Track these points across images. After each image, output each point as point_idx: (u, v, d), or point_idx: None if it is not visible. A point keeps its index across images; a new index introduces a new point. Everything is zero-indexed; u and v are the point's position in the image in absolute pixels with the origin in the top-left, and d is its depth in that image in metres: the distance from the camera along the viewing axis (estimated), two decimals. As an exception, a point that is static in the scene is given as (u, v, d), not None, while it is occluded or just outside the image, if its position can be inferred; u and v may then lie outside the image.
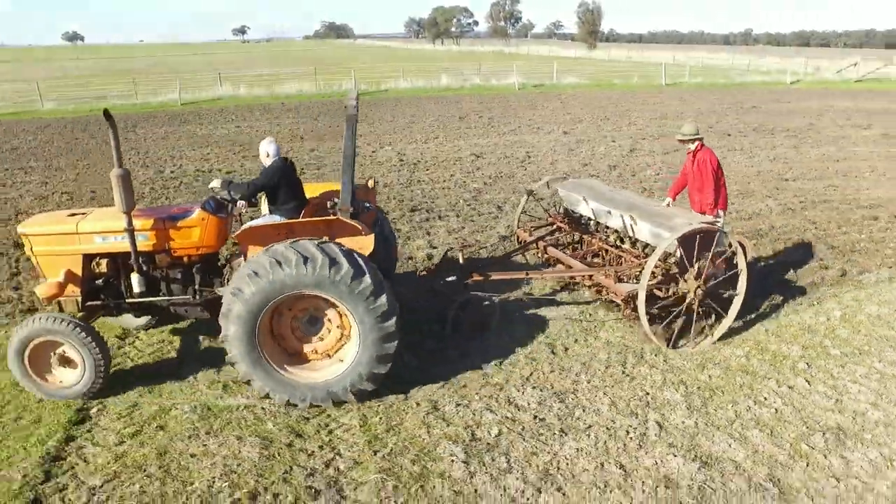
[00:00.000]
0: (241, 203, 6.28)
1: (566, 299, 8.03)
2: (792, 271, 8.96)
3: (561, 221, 8.59)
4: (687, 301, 6.62)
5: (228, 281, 5.91)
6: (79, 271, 5.96)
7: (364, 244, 5.60)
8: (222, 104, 30.08)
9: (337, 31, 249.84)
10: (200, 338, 7.00)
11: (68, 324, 5.48)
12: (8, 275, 8.91)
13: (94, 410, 5.66)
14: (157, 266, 6.16)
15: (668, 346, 6.64)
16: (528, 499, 4.49)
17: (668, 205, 7.83)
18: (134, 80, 35.94)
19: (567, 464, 4.87)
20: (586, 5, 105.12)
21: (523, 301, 7.89)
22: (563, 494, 4.54)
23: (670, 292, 6.67)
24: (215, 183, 6.21)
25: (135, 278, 6.02)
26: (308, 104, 29.52)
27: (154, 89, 33.73)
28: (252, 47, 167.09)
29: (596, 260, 7.93)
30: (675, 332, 6.78)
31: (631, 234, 7.18)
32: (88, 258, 6.03)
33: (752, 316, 7.49)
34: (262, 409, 5.64)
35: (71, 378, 5.68)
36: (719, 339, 6.82)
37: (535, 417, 5.49)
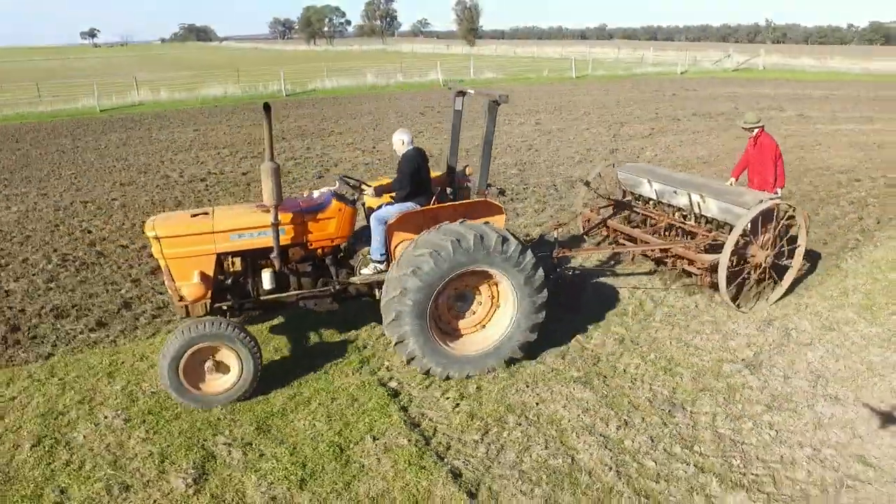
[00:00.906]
0: (369, 191, 6.39)
1: (625, 271, 8.69)
2: (835, 226, 10.52)
3: (624, 202, 9.05)
4: (756, 269, 7.36)
5: (359, 269, 6.22)
6: (211, 271, 5.75)
7: (502, 222, 6.12)
8: (144, 109, 28.44)
9: (197, 33, 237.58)
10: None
11: (230, 326, 5.38)
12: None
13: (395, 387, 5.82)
14: (290, 260, 6.09)
15: (735, 306, 7.32)
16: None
17: (731, 184, 8.60)
18: (37, 85, 32.91)
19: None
20: (464, 3, 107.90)
21: (603, 273, 8.63)
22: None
23: (742, 261, 7.37)
24: (369, 190, 6.36)
25: (266, 275, 5.90)
26: (249, 106, 28.56)
27: (61, 96, 31.10)
28: (107, 51, 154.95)
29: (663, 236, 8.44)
30: (742, 294, 7.52)
31: (698, 210, 7.78)
32: (221, 257, 5.83)
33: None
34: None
35: (227, 383, 5.54)
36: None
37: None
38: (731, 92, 31.62)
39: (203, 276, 5.66)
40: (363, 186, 6.41)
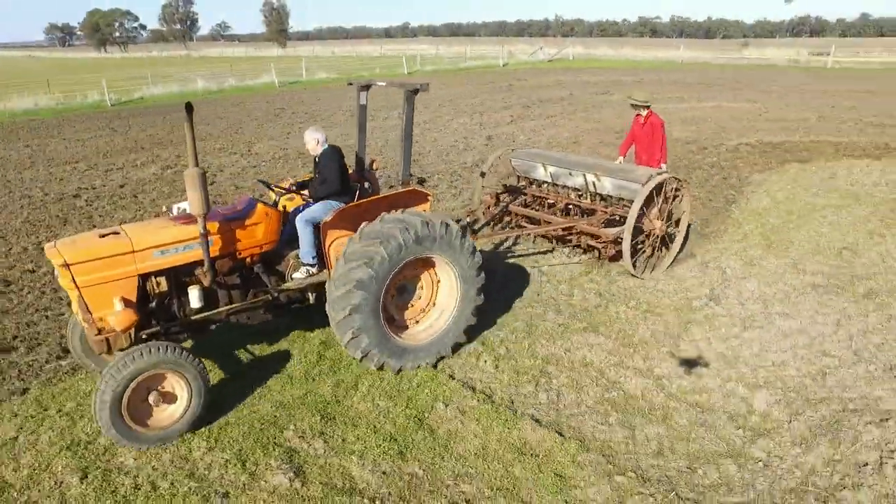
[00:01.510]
0: (304, 193, 6.25)
1: (523, 251, 9.11)
2: (709, 185, 12.35)
3: (519, 187, 9.34)
4: (650, 238, 8.02)
5: (290, 274, 5.92)
6: (133, 295, 5.13)
7: (428, 209, 6.20)
8: None
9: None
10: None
11: (172, 348, 4.87)
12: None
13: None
14: (218, 273, 5.56)
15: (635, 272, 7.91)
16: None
17: (620, 162, 9.10)
18: None
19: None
20: (271, 4, 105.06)
21: (512, 254, 8.99)
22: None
23: (639, 232, 7.93)
24: (305, 192, 6.24)
25: (194, 292, 5.37)
26: (74, 117, 25.68)
27: None
28: None
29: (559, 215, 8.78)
30: (638, 262, 8.05)
31: (593, 189, 8.28)
32: (144, 278, 5.24)
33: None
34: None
35: (177, 412, 4.99)
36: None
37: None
38: (557, 80, 34.60)
39: (126, 301, 5.02)
40: (275, 188, 6.25)
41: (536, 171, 9.05)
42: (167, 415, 5.01)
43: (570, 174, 8.54)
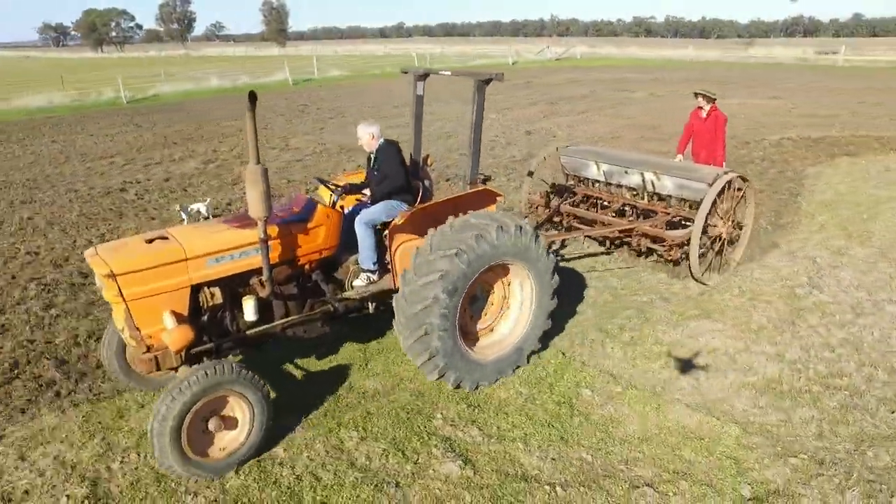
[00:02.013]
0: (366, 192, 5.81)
1: (572, 254, 8.71)
2: (767, 178, 12.35)
3: (568, 186, 8.86)
4: (716, 240, 7.55)
5: (350, 281, 5.46)
6: (185, 309, 4.61)
7: (493, 209, 5.67)
8: None
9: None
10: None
11: (237, 368, 4.34)
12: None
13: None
14: (274, 282, 4.99)
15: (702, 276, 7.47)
16: None
17: (680, 160, 8.69)
18: None
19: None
20: (270, 4, 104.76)
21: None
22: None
23: (704, 234, 7.38)
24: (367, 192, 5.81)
25: (249, 304, 4.79)
26: (91, 115, 25.46)
27: None
28: None
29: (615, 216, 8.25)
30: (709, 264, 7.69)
31: (651, 188, 7.79)
32: (196, 289, 4.70)
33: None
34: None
35: (238, 439, 4.50)
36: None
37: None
38: (571, 78, 34.63)
39: (178, 316, 4.51)
40: (331, 186, 5.73)
41: (588, 170, 8.54)
42: (227, 442, 4.50)
43: (626, 172, 8.04)
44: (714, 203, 7.18)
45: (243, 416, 4.47)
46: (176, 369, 4.57)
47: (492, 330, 5.68)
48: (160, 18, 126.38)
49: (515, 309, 5.65)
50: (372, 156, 5.73)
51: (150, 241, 4.62)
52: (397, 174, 5.55)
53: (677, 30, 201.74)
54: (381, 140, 5.64)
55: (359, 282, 5.45)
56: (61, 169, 15.29)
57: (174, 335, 4.28)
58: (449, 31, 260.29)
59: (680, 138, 9.16)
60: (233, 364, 4.34)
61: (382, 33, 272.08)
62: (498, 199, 5.72)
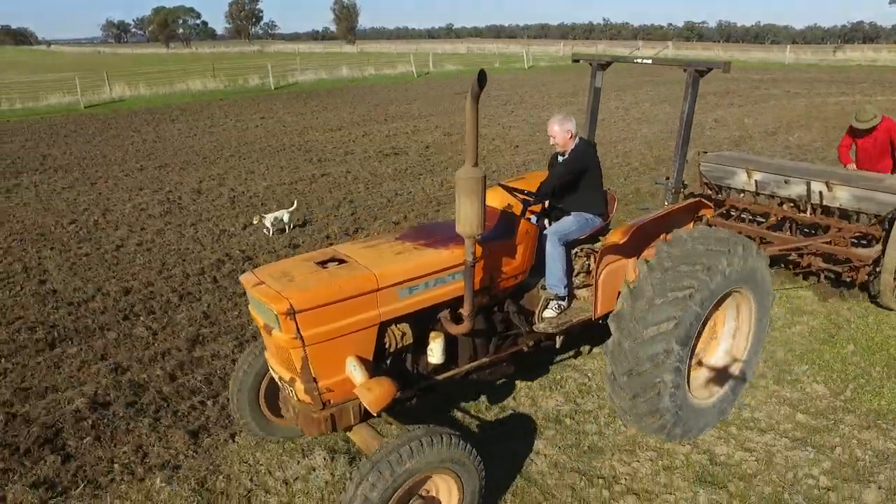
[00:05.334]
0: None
1: None
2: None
3: (713, 197, 7.80)
4: None
5: (541, 311, 4.57)
6: (370, 353, 3.75)
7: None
8: (129, 105, 26.70)
9: (15, 36, 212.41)
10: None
11: (457, 440, 3.36)
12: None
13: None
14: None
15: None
16: None
17: (852, 168, 7.82)
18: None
19: None
20: (341, 2, 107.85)
21: None
22: None
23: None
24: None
25: (437, 344, 3.99)
26: (261, 97, 27.92)
27: (34, 93, 28.39)
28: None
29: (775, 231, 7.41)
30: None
31: (818, 200, 6.83)
32: (384, 327, 3.81)
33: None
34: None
35: None
36: None
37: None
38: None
39: (364, 363, 3.63)
40: (516, 194, 4.81)
41: (735, 179, 7.56)
42: None
43: (787, 182, 7.07)
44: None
45: (453, 493, 3.49)
46: (349, 429, 3.77)
47: (700, 363, 4.86)
48: (229, 15, 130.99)
49: (727, 338, 4.90)
50: (563, 155, 4.82)
51: (323, 263, 3.77)
52: (595, 182, 4.76)
53: (730, 34, 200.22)
54: (578, 139, 4.74)
55: (549, 312, 4.60)
56: (309, 136, 17.67)
57: (376, 393, 3.36)
58: (498, 33, 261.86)
59: (838, 148, 8.28)
60: (448, 433, 3.36)
61: (430, 35, 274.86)
62: (709, 211, 5.06)
